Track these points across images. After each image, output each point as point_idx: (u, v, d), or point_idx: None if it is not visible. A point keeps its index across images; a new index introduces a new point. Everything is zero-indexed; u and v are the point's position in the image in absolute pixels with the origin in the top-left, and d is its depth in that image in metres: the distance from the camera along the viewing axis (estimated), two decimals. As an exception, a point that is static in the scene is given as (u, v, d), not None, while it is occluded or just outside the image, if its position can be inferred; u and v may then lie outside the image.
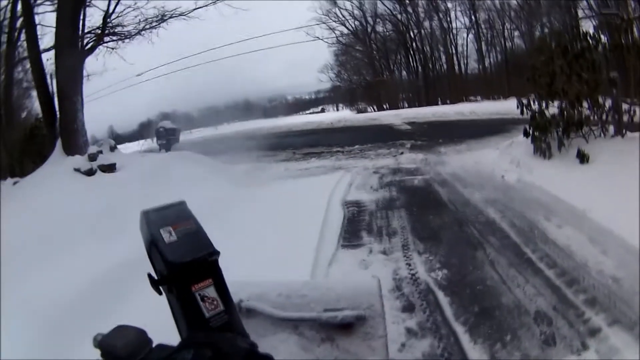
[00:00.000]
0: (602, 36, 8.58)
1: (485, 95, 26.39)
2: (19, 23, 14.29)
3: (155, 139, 16.69)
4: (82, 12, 12.31)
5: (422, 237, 6.44)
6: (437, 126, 18.12)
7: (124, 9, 13.76)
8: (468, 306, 4.35)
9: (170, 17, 14.46)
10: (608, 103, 8.25)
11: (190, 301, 1.08)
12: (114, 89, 20.85)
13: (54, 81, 12.27)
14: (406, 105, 29.21)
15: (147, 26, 14.26)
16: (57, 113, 12.01)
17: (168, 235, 1.13)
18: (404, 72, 31.93)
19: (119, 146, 13.15)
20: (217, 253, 1.15)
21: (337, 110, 34.05)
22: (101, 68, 14.59)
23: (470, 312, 4.23)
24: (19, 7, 13.70)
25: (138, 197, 7.77)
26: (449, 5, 30.47)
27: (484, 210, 7.24)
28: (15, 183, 10.76)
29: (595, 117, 8.35)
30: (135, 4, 13.88)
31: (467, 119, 18.68)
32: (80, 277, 5.34)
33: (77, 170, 10.15)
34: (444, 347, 3.77)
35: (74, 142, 11.26)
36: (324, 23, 31.52)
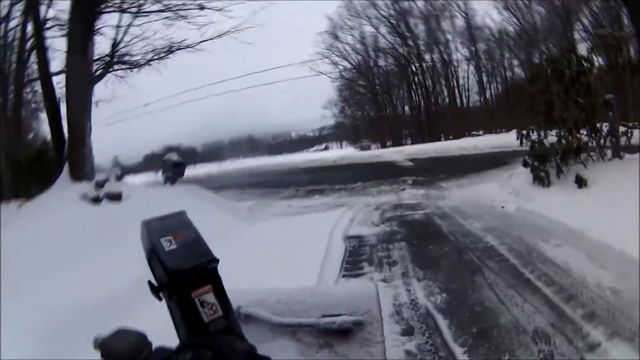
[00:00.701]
0: (596, 58, 8.73)
1: (487, 128, 26.52)
2: (29, 44, 14.59)
3: (161, 172, 16.70)
4: (91, 39, 12.58)
5: (421, 266, 6.43)
6: (439, 162, 18.17)
7: (132, 39, 14.05)
8: (467, 327, 4.30)
9: (178, 49, 14.69)
10: (606, 128, 8.34)
11: (189, 307, 1.10)
12: (121, 117, 20.95)
13: (63, 105, 12.41)
14: (409, 141, 29.34)
15: (155, 57, 14.52)
16: (66, 137, 12.16)
17: (168, 244, 1.15)
18: (406, 108, 32.25)
19: (125, 178, 13.28)
20: (217, 260, 1.17)
21: (341, 147, 34.18)
22: (110, 95, 14.80)
23: (468, 334, 4.18)
24: (29, 28, 14.12)
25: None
26: (449, 37, 31.02)
27: (483, 238, 7.27)
28: (20, 206, 10.82)
29: (593, 143, 8.44)
30: (143, 33, 14.15)
31: (469, 154, 18.71)
32: (74, 302, 5.36)
33: (84, 196, 10.20)
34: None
35: (82, 168, 11.39)
36: (327, 58, 32.06)
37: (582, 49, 9.47)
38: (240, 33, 15.07)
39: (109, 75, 13.83)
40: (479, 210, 9.23)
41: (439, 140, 26.53)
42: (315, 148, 36.03)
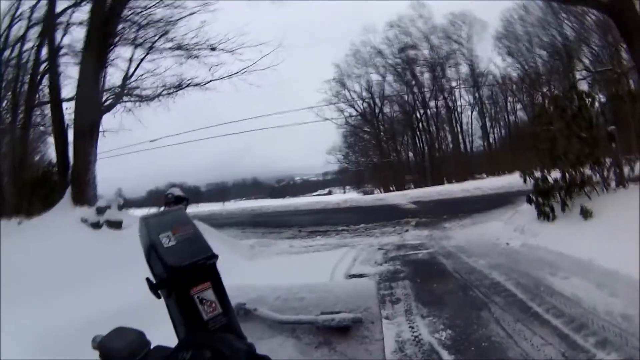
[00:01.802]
0: (597, 93, 8.74)
1: (490, 172, 26.43)
2: (42, 68, 14.80)
3: (163, 206, 16.53)
4: (103, 70, 12.76)
5: (425, 303, 6.24)
6: (442, 204, 18.17)
7: (144, 73, 14.19)
8: None
9: (187, 86, 14.73)
10: (609, 161, 8.29)
11: (189, 304, 1.06)
12: (128, 150, 20.99)
13: (71, 130, 12.57)
14: (412, 186, 29.22)
15: (165, 92, 14.56)
16: (71, 162, 12.19)
17: (167, 240, 1.11)
18: (410, 154, 32.34)
19: (129, 210, 13.28)
20: (216, 257, 1.12)
21: (344, 192, 34.14)
22: (118, 126, 14.73)
23: None
24: (44, 52, 14.35)
25: (140, 257, 7.79)
26: (453, 83, 31.38)
27: (488, 275, 7.07)
28: (19, 223, 10.78)
29: (597, 176, 8.37)
30: (155, 69, 14.29)
31: (472, 195, 18.67)
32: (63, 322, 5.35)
33: (84, 221, 10.17)
34: None
35: (84, 193, 11.42)
36: (334, 104, 32.31)
37: (584, 86, 9.53)
38: (249, 75, 15.16)
39: (118, 106, 13.95)
40: (483, 249, 9.05)
41: (442, 184, 26.31)
42: (318, 192, 36.06)
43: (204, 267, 1.09)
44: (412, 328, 5.31)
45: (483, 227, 11.40)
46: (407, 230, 13.77)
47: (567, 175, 8.59)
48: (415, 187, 27.82)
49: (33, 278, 6.59)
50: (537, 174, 9.24)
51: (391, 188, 29.17)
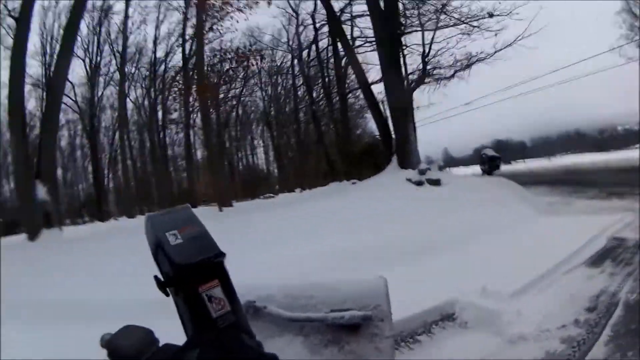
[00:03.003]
0: None
1: None
2: (344, 62, 17.13)
3: (479, 165, 16.54)
4: (401, 55, 13.68)
5: (647, 271, 6.40)
6: None
7: (439, 50, 14.31)
8: (628, 324, 4.63)
9: (477, 60, 14.46)
10: None
11: (197, 302, 1.05)
12: (445, 115, 21.97)
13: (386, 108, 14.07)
14: None
15: (459, 69, 14.51)
16: (392, 135, 13.60)
17: (174, 238, 1.10)
18: None
19: (453, 169, 14.71)
20: (223, 255, 1.12)
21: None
22: (427, 101, 15.09)
23: (625, 330, 4.52)
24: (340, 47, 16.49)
25: (456, 209, 9.86)
26: None
27: None
28: (353, 183, 13.33)
29: None
30: (448, 43, 14.27)
31: None
32: None
33: (409, 180, 11.91)
34: (588, 338, 4.38)
35: (407, 159, 12.82)
36: (632, 41, 27.12)
37: None
38: (527, 39, 14.09)
39: (423, 85, 14.43)
40: None
41: None
42: (644, 145, 30.47)
43: (212, 265, 1.11)
44: (619, 285, 5.89)
45: None
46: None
47: None
48: None
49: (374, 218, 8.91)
50: None
51: None
